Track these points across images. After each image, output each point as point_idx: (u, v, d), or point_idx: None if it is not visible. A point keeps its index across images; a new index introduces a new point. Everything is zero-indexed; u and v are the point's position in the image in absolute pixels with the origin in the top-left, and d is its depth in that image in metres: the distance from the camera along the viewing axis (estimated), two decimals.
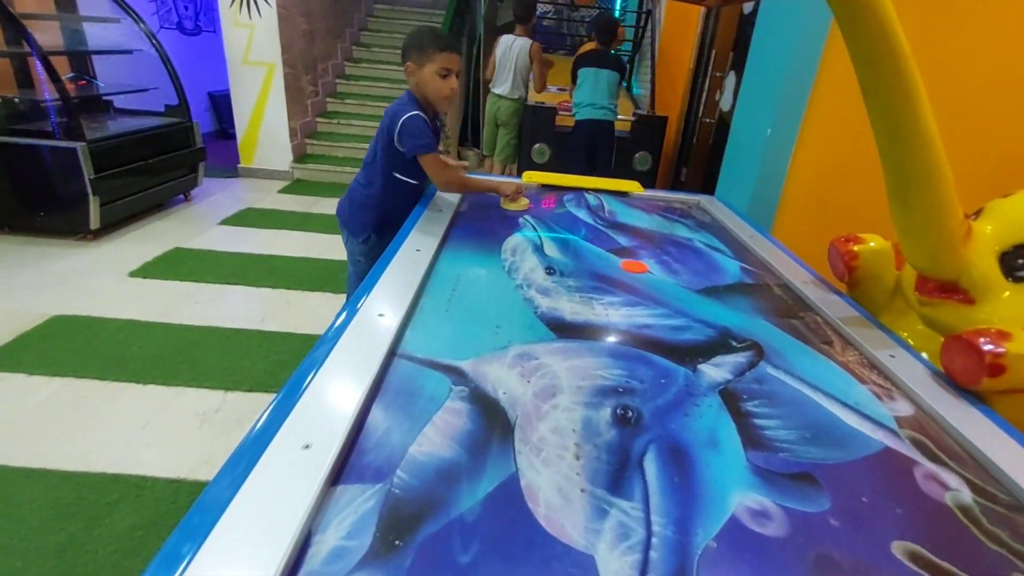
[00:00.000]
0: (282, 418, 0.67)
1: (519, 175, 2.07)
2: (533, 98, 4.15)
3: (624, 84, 4.09)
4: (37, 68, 3.03)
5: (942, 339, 1.04)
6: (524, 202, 1.73)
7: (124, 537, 1.38)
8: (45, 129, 2.97)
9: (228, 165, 4.80)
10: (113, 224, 3.26)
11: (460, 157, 5.51)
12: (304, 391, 0.72)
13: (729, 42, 3.82)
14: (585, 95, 3.59)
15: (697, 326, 1.05)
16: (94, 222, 3.06)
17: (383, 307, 0.97)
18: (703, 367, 0.90)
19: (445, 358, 0.86)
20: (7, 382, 1.92)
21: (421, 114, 1.54)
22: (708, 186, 2.96)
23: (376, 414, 0.72)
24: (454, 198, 1.73)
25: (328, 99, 5.41)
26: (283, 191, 4.45)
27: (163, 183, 3.63)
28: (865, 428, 0.79)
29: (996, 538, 0.61)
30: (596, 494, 0.61)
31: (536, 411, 0.75)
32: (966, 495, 0.68)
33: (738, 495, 0.63)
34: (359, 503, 0.58)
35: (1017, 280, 0.95)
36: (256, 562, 0.48)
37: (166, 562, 0.49)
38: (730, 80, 3.63)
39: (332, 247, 3.33)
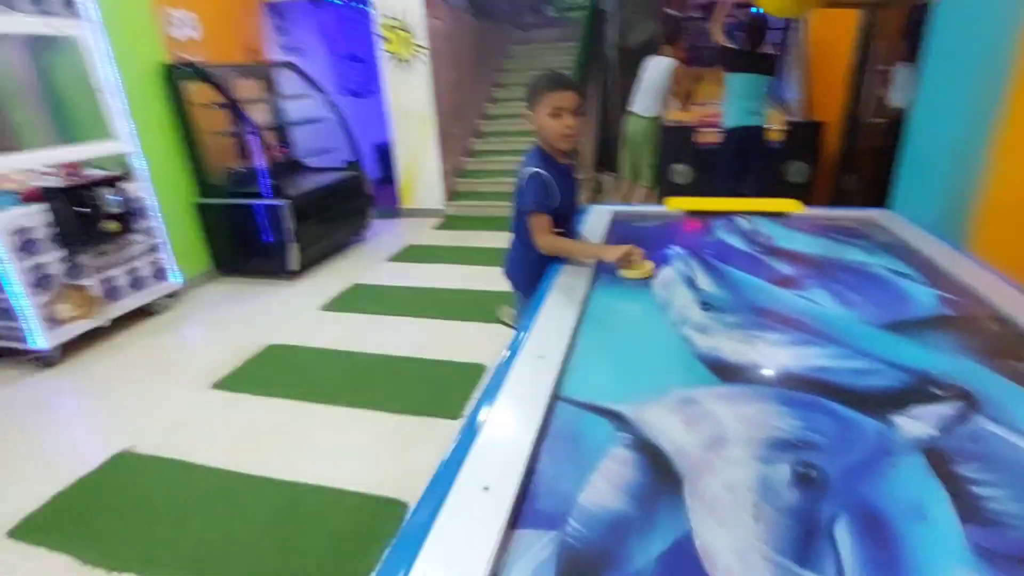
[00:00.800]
0: (462, 458, 0.74)
1: (659, 201, 2.03)
2: (672, 116, 4.05)
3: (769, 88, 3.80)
4: (251, 142, 3.74)
5: None
6: (647, 267, 1.41)
7: (327, 541, 1.61)
8: (258, 191, 3.64)
9: (391, 206, 5.41)
10: (308, 265, 3.87)
11: (596, 181, 5.54)
12: (479, 433, 0.79)
13: (897, 30, 3.35)
14: (734, 100, 3.41)
15: (885, 369, 0.94)
16: (294, 264, 3.67)
17: (542, 348, 1.02)
18: (898, 419, 0.80)
19: (605, 401, 0.88)
20: (240, 402, 2.37)
21: (540, 171, 1.52)
22: (879, 195, 2.58)
23: (544, 459, 0.76)
24: (602, 228, 1.75)
25: (472, 139, 5.84)
26: (437, 227, 4.89)
27: (343, 228, 4.23)
28: None
29: None
30: (783, 565, 0.58)
31: (705, 464, 0.73)
32: None
33: None
34: (537, 549, 0.62)
35: None
36: None
37: None
38: (903, 74, 3.17)
39: (483, 278, 3.56)
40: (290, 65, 4.43)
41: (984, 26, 1.89)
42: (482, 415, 0.84)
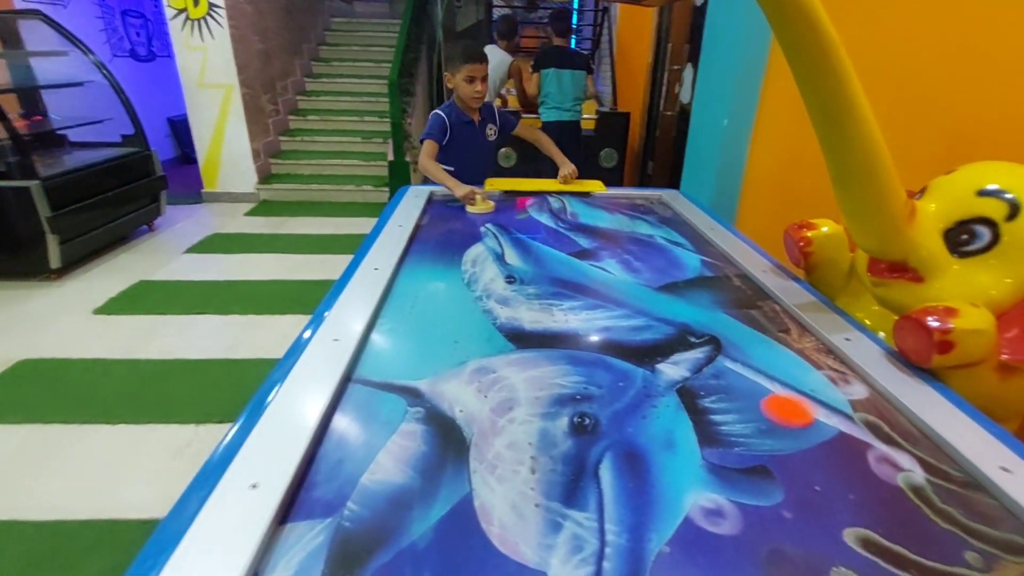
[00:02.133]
0: (231, 456, 0.65)
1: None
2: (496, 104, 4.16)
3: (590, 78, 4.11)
4: None
5: (894, 318, 1.07)
6: (489, 204, 1.76)
7: None
8: None
9: (192, 191, 4.72)
10: (76, 261, 3.18)
11: None
12: (255, 426, 0.70)
13: (684, 35, 3.87)
14: (551, 96, 3.61)
15: (657, 324, 1.05)
16: (54, 261, 2.99)
17: (338, 331, 0.96)
18: (661, 366, 0.90)
19: (402, 379, 0.85)
20: None
21: (441, 112, 2.04)
22: (675, 178, 3.00)
23: (329, 445, 0.70)
24: (416, 211, 1.71)
25: (290, 116, 5.35)
26: (249, 213, 4.39)
27: (124, 215, 3.56)
28: (819, 415, 0.80)
29: (948, 517, 0.62)
30: (550, 508, 0.61)
31: (492, 427, 0.74)
32: (919, 475, 0.69)
33: (692, 495, 0.63)
34: (307, 540, 0.57)
35: (962, 255, 0.97)
36: None
37: None
38: (688, 73, 3.67)
39: (302, 267, 3.29)
40: (38, 14, 3.57)
41: (742, 31, 2.23)
42: (259, 408, 0.75)
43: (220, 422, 1.91)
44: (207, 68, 4.36)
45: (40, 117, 3.80)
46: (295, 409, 0.75)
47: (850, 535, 0.59)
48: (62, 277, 3.06)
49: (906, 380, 0.87)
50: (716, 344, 0.98)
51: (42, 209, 2.87)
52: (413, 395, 0.81)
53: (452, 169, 1.98)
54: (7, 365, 2.21)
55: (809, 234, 1.24)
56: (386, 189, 4.73)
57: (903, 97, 1.46)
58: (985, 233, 0.96)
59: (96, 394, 2.06)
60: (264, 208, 4.52)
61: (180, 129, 6.00)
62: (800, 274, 1.31)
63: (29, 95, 3.76)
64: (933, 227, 1.00)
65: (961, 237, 0.98)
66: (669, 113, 4.02)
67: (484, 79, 1.99)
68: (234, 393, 2.08)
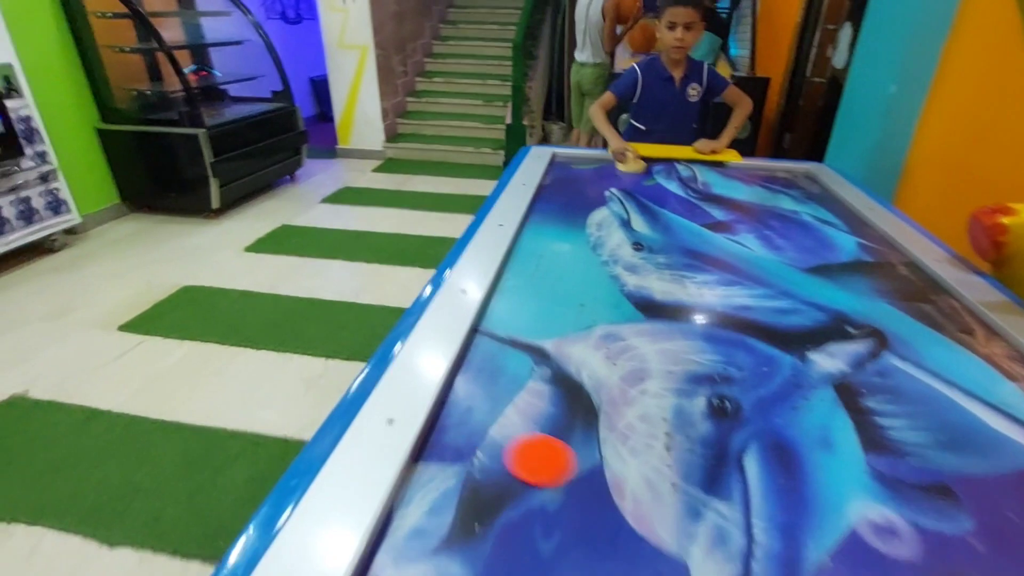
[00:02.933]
0: (367, 392, 0.68)
1: (605, 147, 1.98)
2: (623, 64, 3.95)
3: (722, 45, 3.76)
4: (162, 61, 3.35)
5: None
6: (641, 164, 1.72)
7: (242, 488, 1.53)
8: (172, 118, 3.28)
9: (328, 146, 5.08)
10: (231, 203, 3.58)
11: (544, 131, 5.42)
12: (389, 366, 0.73)
13: None
14: None
15: (805, 309, 0.94)
16: (215, 202, 3.38)
17: (466, 283, 0.97)
18: (813, 356, 0.81)
19: (528, 337, 0.84)
20: (147, 344, 2.19)
21: (638, 68, 1.93)
22: (815, 154, 2.66)
23: (458, 392, 0.71)
24: (538, 171, 1.68)
25: (417, 78, 5.52)
26: (376, 170, 4.65)
27: (271, 165, 3.92)
28: (1015, 434, 0.67)
29: None
30: (689, 491, 0.57)
31: (623, 396, 0.71)
32: None
33: (858, 505, 0.56)
34: (440, 481, 0.58)
35: None
36: (342, 533, 0.50)
37: (262, 525, 0.52)
38: (845, 32, 3.21)
39: (422, 223, 3.43)
40: None
41: None
42: (394, 347, 0.78)
43: (347, 359, 2.08)
44: (347, 29, 4.60)
45: (206, 72, 4.26)
46: (426, 352, 0.77)
47: None
48: (219, 217, 3.47)
49: None
50: (880, 338, 0.85)
51: (207, 155, 3.24)
52: (539, 354, 0.80)
53: (644, 128, 1.93)
54: (173, 290, 2.56)
55: (1006, 220, 1.03)
56: (502, 152, 4.75)
57: None
58: None
59: (244, 322, 2.33)
60: (390, 165, 4.76)
61: (320, 88, 6.43)
62: (985, 268, 1.11)
63: (198, 51, 4.22)
64: None
65: None
66: (817, 80, 3.57)
67: (689, 27, 1.76)
68: (360, 334, 2.25)
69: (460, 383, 0.73)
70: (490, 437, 0.64)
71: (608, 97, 1.94)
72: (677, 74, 1.92)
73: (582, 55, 3.74)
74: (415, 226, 3.37)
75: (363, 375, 0.73)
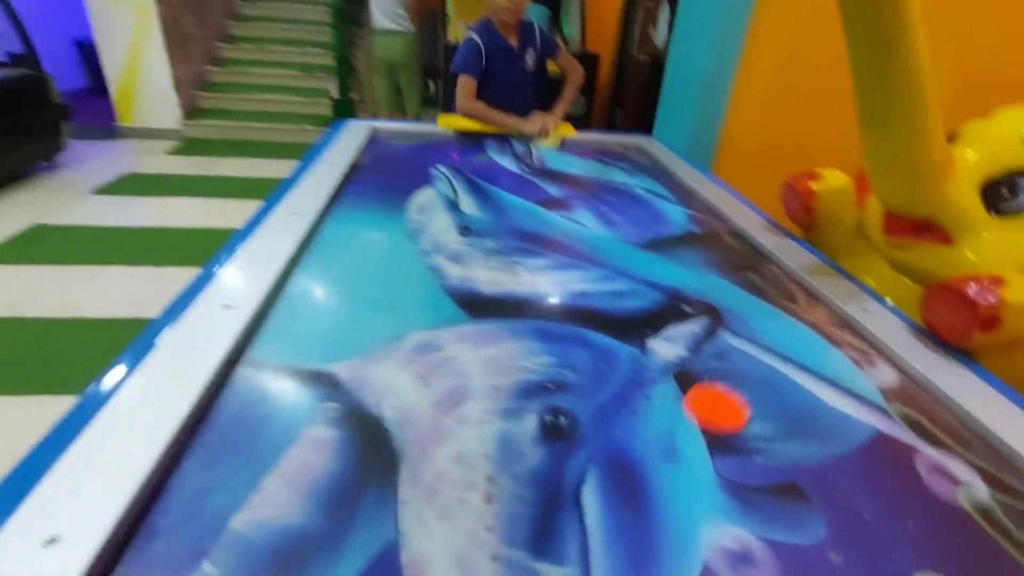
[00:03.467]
0: (25, 490, 0.42)
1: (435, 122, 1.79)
2: (454, 34, 3.76)
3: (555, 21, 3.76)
4: None
5: (910, 285, 0.92)
6: (566, 127, 1.70)
7: None
8: None
9: (104, 125, 4.15)
10: None
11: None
12: (74, 440, 0.47)
13: None
14: None
15: (643, 289, 0.86)
16: None
17: (232, 296, 0.72)
18: (653, 343, 0.72)
19: (314, 362, 0.63)
20: None
21: (475, 36, 1.68)
22: (645, 128, 2.78)
23: (189, 466, 0.48)
24: (352, 149, 1.44)
25: (221, 44, 4.75)
26: (172, 152, 3.90)
27: (14, 148, 3.04)
28: (849, 408, 0.63)
29: None
30: (513, 560, 0.42)
31: (434, 430, 0.54)
32: (981, 490, 0.54)
33: (710, 531, 0.46)
34: None
35: (1002, 214, 0.82)
36: None
37: None
38: (664, 12, 3.40)
39: (230, 214, 2.92)
40: None
41: None
42: (89, 409, 0.51)
43: None
44: None
45: None
46: (146, 407, 0.52)
47: None
48: None
49: (941, 363, 0.72)
50: (715, 315, 0.80)
51: None
52: (327, 384, 0.60)
53: (491, 103, 1.71)
54: None
55: (815, 186, 1.07)
56: (329, 130, 4.30)
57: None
58: None
59: None
60: (190, 147, 4.02)
61: (91, 55, 5.25)
62: (797, 232, 1.15)
63: None
64: (970, 180, 0.84)
65: (1002, 192, 0.83)
66: (642, 57, 3.76)
67: None
68: None
69: (196, 450, 0.50)
70: (231, 531, 0.42)
71: (469, 83, 1.70)
72: (514, 41, 1.76)
73: (388, 22, 3.25)
74: (222, 217, 2.85)
75: (27, 458, 0.46)
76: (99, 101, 4.77)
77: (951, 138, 0.92)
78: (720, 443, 0.56)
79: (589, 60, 3.89)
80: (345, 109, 4.18)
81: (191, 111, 4.27)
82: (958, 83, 1.19)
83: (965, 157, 0.85)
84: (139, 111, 4.08)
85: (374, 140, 1.61)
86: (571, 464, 0.51)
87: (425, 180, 1.28)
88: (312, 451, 0.50)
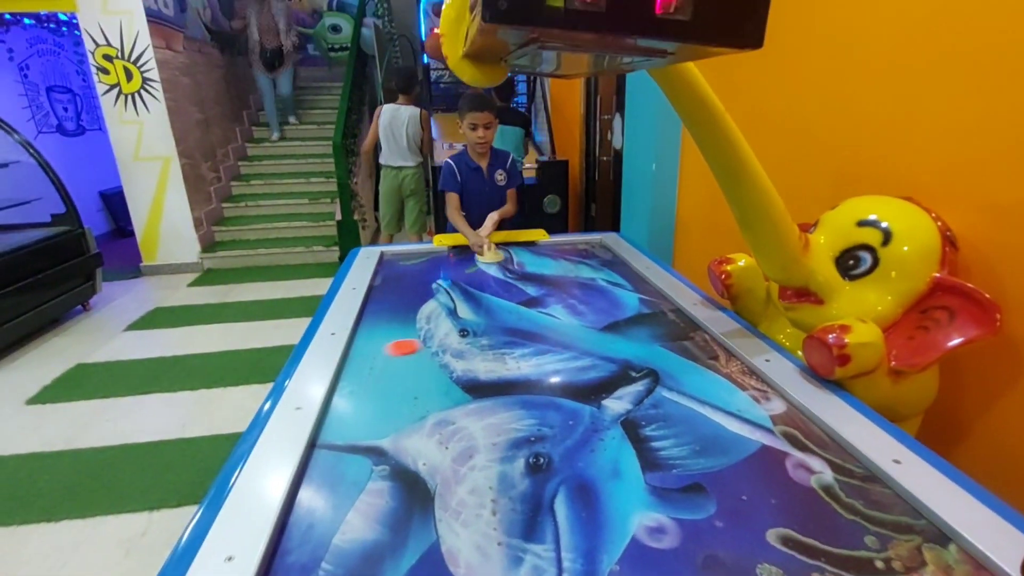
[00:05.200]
0: (204, 532, 0.68)
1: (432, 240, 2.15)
2: (437, 155, 4.30)
3: (529, 135, 4.33)
4: None
5: None
6: (499, 255, 1.91)
7: None
8: None
9: (130, 265, 4.58)
10: (4, 349, 3.01)
11: (378, 223, 5.55)
12: (224, 502, 0.73)
13: (612, 86, 4.19)
14: None
15: (601, 363, 1.15)
16: None
17: (300, 399, 0.99)
18: (607, 402, 0.99)
19: (365, 439, 0.90)
20: None
21: (450, 161, 2.24)
22: (617, 219, 3.17)
23: (299, 511, 0.74)
24: (368, 272, 1.77)
25: (232, 182, 5.34)
26: (193, 284, 4.30)
27: (55, 297, 3.41)
28: (744, 431, 0.90)
29: (852, 508, 0.72)
30: (512, 544, 0.67)
31: (455, 476, 0.80)
32: (828, 475, 0.79)
33: (637, 517, 0.71)
34: None
35: (852, 278, 1.12)
36: None
37: None
38: (617, 121, 3.96)
39: (253, 335, 3.24)
40: None
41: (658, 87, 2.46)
42: (228, 480, 0.77)
43: (177, 506, 1.84)
44: (143, 141, 4.33)
45: None
46: (263, 480, 0.78)
47: (772, 535, 0.68)
48: None
49: (816, 392, 0.99)
50: (655, 376, 1.08)
51: None
52: (377, 454, 0.86)
53: (464, 214, 2.17)
54: None
55: (728, 268, 1.38)
56: (336, 248, 4.74)
57: (794, 142, 1.67)
58: (867, 258, 1.11)
59: (33, 492, 1.94)
60: (208, 277, 4.43)
61: (113, 202, 5.85)
62: (727, 304, 1.45)
63: None
64: (825, 255, 1.16)
65: (849, 263, 1.14)
66: (605, 158, 4.29)
67: (488, 126, 2.18)
68: (190, 474, 2.01)
69: (301, 501, 0.76)
70: (334, 546, 0.67)
71: (453, 198, 2.22)
72: (483, 164, 2.29)
73: (399, 160, 3.89)
74: (246, 339, 3.17)
75: (197, 516, 0.72)
76: (122, 244, 5.26)
77: (815, 224, 1.25)
78: (650, 464, 0.82)
79: (560, 165, 4.42)
80: (348, 229, 4.65)
81: (208, 245, 4.73)
82: (828, 183, 1.55)
83: (818, 240, 1.17)
84: (162, 250, 4.53)
85: (383, 263, 1.95)
86: (548, 487, 0.77)
87: (428, 294, 1.59)
88: (375, 495, 0.76)
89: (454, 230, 2.23)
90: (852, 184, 1.44)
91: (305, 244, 4.79)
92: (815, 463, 0.82)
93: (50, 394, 2.64)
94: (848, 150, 1.49)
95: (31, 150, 3.60)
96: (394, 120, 3.81)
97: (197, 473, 2.01)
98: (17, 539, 1.74)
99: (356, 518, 0.72)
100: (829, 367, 0.99)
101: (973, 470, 0.79)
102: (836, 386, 1.01)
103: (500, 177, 2.32)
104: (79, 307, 3.70)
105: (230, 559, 0.64)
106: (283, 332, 3.26)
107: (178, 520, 1.78)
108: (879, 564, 0.63)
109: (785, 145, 1.69)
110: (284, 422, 0.92)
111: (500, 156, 2.34)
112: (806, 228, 1.23)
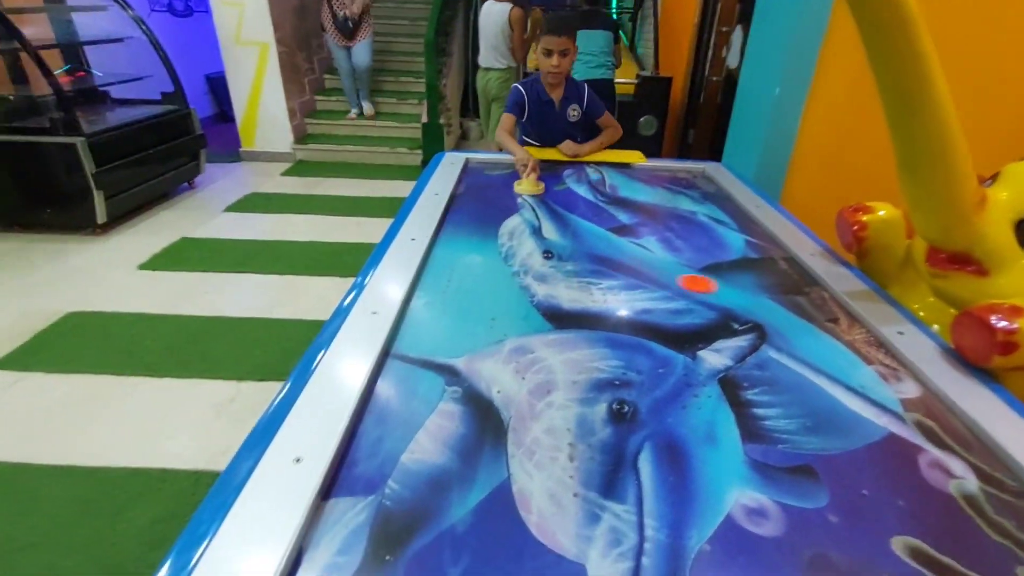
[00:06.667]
0: (275, 428, 0.67)
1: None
2: (531, 65, 4.02)
3: (620, 42, 3.91)
4: (31, 63, 2.99)
5: (954, 312, 1.01)
6: (540, 186, 1.64)
7: (147, 530, 1.43)
8: (43, 125, 2.95)
9: (231, 149, 4.78)
10: (120, 217, 3.28)
11: (463, 128, 5.41)
12: (296, 400, 0.72)
13: None
14: (581, 56, 3.46)
15: (698, 308, 1.03)
16: (100, 216, 3.09)
17: (377, 303, 0.96)
18: (703, 354, 0.88)
19: (439, 356, 0.85)
20: (27, 381, 1.97)
21: (520, 87, 2.00)
22: (717, 149, 2.86)
23: (368, 421, 0.71)
24: (452, 179, 1.69)
25: (326, 76, 5.31)
26: (286, 173, 4.44)
27: (165, 172, 3.63)
28: (869, 413, 0.77)
29: (1001, 529, 0.60)
30: (589, 498, 0.61)
31: (530, 410, 0.74)
32: (972, 483, 0.66)
33: (734, 493, 0.62)
34: (350, 517, 0.58)
35: None
36: None
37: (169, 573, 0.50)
38: (737, 35, 3.47)
39: (337, 229, 3.33)
40: None
41: None
42: (303, 378, 0.76)
43: (261, 379, 1.98)
44: (244, 25, 4.33)
45: (83, 73, 3.86)
46: (336, 383, 0.76)
47: (898, 544, 0.57)
48: (107, 232, 3.17)
49: (962, 380, 0.83)
50: (760, 332, 0.95)
51: (88, 165, 2.95)
52: (450, 373, 0.82)
53: (535, 144, 1.98)
54: (56, 317, 2.32)
55: (865, 218, 1.18)
56: (420, 152, 4.69)
57: (976, 75, 1.34)
58: None
59: (141, 348, 2.16)
60: (300, 168, 4.56)
61: (218, 86, 6.02)
62: (851, 259, 1.25)
63: (71, 51, 3.81)
64: (1004, 217, 0.93)
65: None
66: (715, 79, 3.83)
67: (565, 53, 1.88)
68: (275, 352, 2.15)
69: (371, 411, 0.73)
70: (401, 464, 0.65)
71: (508, 119, 1.98)
72: (556, 96, 2.01)
73: (486, 61, 3.73)
74: (330, 232, 3.26)
75: (270, 409, 0.71)
76: (224, 128, 5.48)
77: (993, 177, 1.01)
78: (752, 434, 0.72)
79: (662, 83, 4.00)
80: (434, 133, 4.55)
81: (301, 136, 4.82)
82: (1012, 127, 1.25)
83: (999, 196, 0.94)
84: (259, 137, 4.67)
85: (467, 170, 1.86)
86: (631, 440, 0.70)
87: (513, 208, 1.50)
88: (446, 418, 0.72)
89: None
90: None
91: (390, 144, 4.76)
92: (956, 465, 0.69)
93: (158, 262, 2.87)
94: None
95: (143, 27, 3.70)
96: (487, 17, 3.57)
97: (281, 352, 2.14)
98: (125, 388, 1.95)
99: (425, 438, 0.69)
100: (986, 353, 0.82)
101: None
102: (987, 376, 0.84)
103: (574, 112, 2.04)
104: (185, 184, 3.94)
105: (298, 460, 0.62)
106: (365, 229, 3.32)
107: (263, 392, 1.92)
108: None
109: (954, 76, 1.37)
110: (360, 325, 0.90)
111: (575, 89, 2.04)
112: (982, 181, 1.00)
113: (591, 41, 3.43)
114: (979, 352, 0.83)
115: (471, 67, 5.30)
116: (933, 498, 0.64)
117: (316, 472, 0.61)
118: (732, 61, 3.49)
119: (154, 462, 1.63)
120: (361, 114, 5.00)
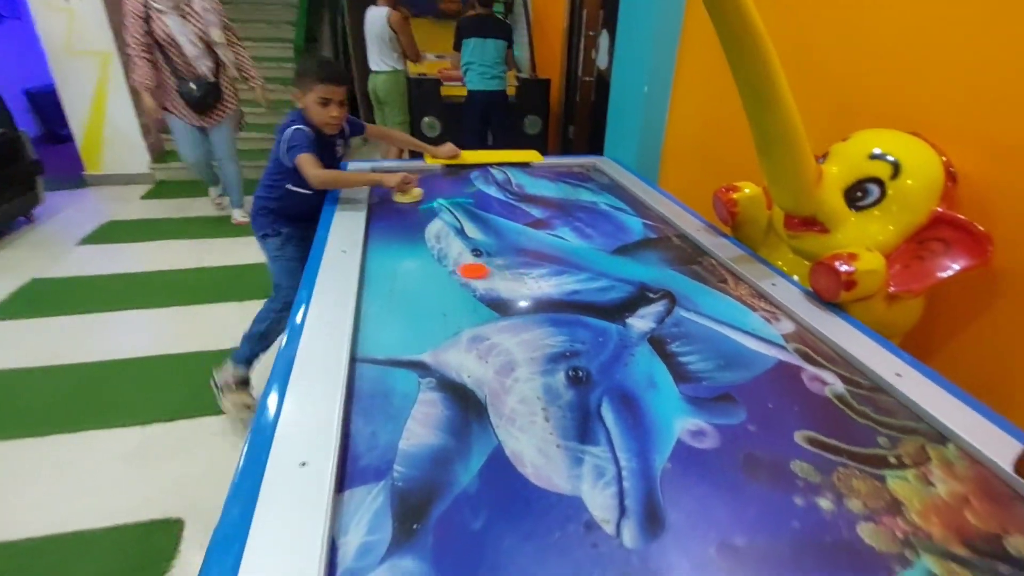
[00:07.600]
0: (269, 440, 0.69)
1: (421, 157, 2.08)
2: (414, 70, 4.06)
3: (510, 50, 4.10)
4: None
5: (808, 264, 1.27)
6: (417, 192, 1.67)
7: None
8: None
9: (70, 174, 4.20)
10: None
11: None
12: (281, 409, 0.74)
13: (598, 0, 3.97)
14: (474, 66, 3.59)
15: (618, 284, 1.18)
16: None
17: (330, 316, 0.99)
18: (631, 320, 1.04)
19: (406, 354, 0.91)
20: None
21: (304, 128, 1.59)
22: (595, 142, 3.12)
23: (358, 421, 0.76)
24: (363, 192, 1.71)
25: None
26: (147, 196, 4.01)
27: None
28: (762, 348, 0.97)
29: (864, 415, 0.81)
30: (570, 447, 0.72)
31: (501, 387, 0.84)
32: (840, 386, 0.88)
33: (679, 422, 0.77)
34: (368, 503, 0.63)
35: (858, 209, 1.18)
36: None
37: None
38: (604, 38, 3.79)
39: (223, 252, 3.11)
40: None
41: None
42: (278, 392, 0.78)
43: (170, 420, 1.83)
44: (74, 33, 3.83)
45: None
46: (316, 393, 0.79)
47: (799, 437, 0.76)
48: None
49: (821, 314, 1.07)
50: (671, 298, 1.13)
51: None
52: (421, 367, 0.88)
53: (309, 192, 1.62)
54: None
55: (735, 196, 1.42)
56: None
57: (798, 71, 1.67)
58: (875, 190, 1.17)
59: (19, 407, 1.88)
60: (162, 189, 4.14)
61: (42, 103, 5.25)
62: (727, 231, 1.50)
63: None
64: (835, 186, 1.20)
65: (857, 194, 1.19)
66: (587, 79, 4.15)
67: (342, 104, 1.61)
68: (182, 389, 1.98)
69: (357, 412, 0.78)
70: (402, 450, 0.71)
71: (314, 159, 1.55)
72: (328, 136, 1.70)
73: (374, 64, 3.78)
74: (216, 257, 3.04)
75: (255, 426, 0.73)
76: (56, 150, 4.80)
77: (824, 155, 1.28)
78: (682, 377, 0.88)
79: (540, 84, 4.25)
80: None
81: (159, 154, 4.38)
82: (832, 114, 1.58)
83: (831, 170, 1.21)
84: (107, 158, 4.16)
85: None
86: (591, 396, 0.82)
87: (431, 213, 1.56)
88: (429, 405, 0.79)
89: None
90: (854, 117, 1.47)
91: (263, 158, 4.50)
92: (827, 376, 0.90)
93: (9, 309, 2.49)
94: (852, 81, 1.50)
95: None
96: (370, 23, 3.59)
97: (190, 389, 1.98)
98: (9, 453, 1.71)
99: (416, 426, 0.75)
100: (835, 291, 1.06)
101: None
102: (837, 308, 1.09)
103: (339, 149, 1.79)
104: (22, 218, 3.41)
105: (304, 464, 0.66)
106: (254, 249, 3.13)
107: (175, 433, 1.78)
108: (892, 460, 0.73)
109: (788, 74, 1.69)
110: (321, 338, 0.92)
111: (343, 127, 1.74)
112: (817, 159, 1.27)
113: (485, 52, 3.55)
114: (829, 291, 1.08)
115: (359, 72, 5.18)
116: (816, 401, 0.84)
117: (325, 470, 0.65)
118: (601, 62, 3.81)
119: (71, 525, 1.46)
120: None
